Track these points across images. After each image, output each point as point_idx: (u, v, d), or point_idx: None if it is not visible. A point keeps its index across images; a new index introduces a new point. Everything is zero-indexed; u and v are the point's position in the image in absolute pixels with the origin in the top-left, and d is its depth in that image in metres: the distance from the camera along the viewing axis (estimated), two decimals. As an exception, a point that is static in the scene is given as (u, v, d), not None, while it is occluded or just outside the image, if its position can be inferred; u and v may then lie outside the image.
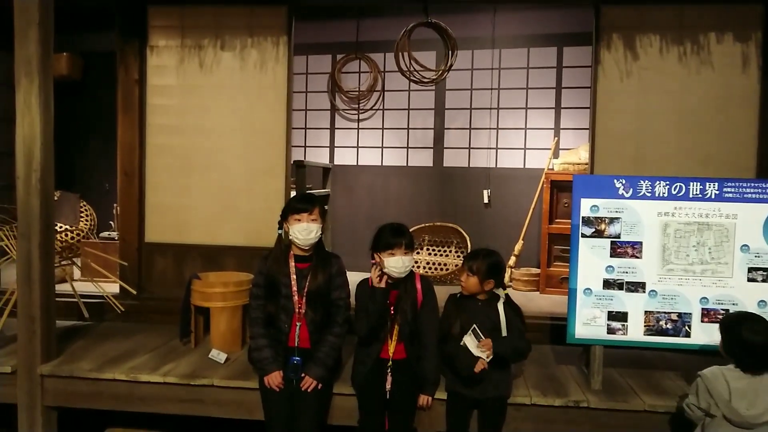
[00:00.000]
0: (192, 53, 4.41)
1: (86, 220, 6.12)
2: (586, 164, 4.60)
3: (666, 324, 3.05)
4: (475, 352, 2.77)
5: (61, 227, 5.77)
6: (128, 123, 4.47)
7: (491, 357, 2.77)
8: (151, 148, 4.46)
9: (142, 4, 4.47)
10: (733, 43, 3.98)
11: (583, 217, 3.08)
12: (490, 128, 6.16)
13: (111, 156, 4.63)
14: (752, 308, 2.99)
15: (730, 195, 3.02)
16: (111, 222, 5.71)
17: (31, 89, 3.14)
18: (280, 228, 3.00)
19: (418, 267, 5.91)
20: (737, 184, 3.02)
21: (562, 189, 5.37)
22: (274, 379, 2.86)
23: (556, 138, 5.97)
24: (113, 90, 4.55)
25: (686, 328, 3.04)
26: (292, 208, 2.94)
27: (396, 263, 2.85)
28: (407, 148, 6.45)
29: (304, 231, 2.88)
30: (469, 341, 2.80)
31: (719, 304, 3.02)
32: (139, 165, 4.47)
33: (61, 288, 4.06)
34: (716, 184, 3.02)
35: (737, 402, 2.36)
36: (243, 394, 3.10)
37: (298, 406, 2.85)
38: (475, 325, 2.81)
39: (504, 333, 2.85)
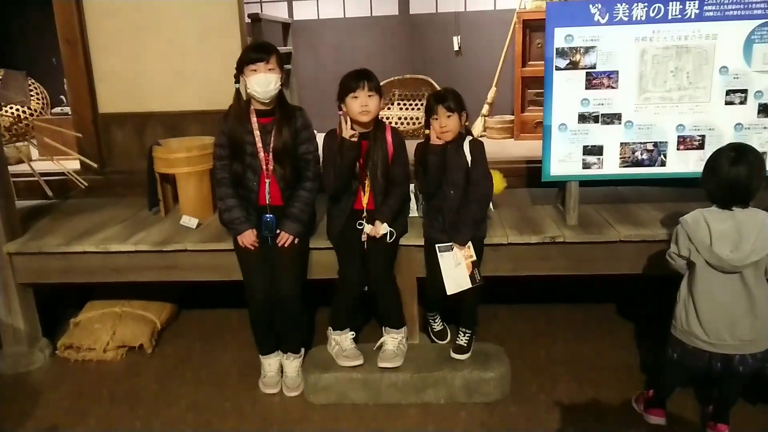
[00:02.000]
0: None
1: (37, 98, 5.78)
2: (560, -2, 4.33)
3: (642, 155, 3.00)
4: (458, 268, 2.76)
5: (10, 107, 5.45)
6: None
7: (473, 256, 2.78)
8: (90, 10, 4.08)
9: None
10: None
11: (557, 49, 2.91)
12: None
13: (53, 26, 4.25)
14: (729, 133, 2.94)
15: (711, 14, 2.84)
16: (62, 97, 5.40)
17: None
18: (237, 82, 2.80)
19: (390, 122, 5.75)
20: (719, 0, 2.84)
21: (535, 29, 5.11)
22: (248, 237, 2.80)
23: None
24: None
25: (662, 157, 3.00)
26: (246, 59, 2.73)
27: (358, 106, 2.71)
28: (370, -4, 6.05)
29: (263, 82, 2.70)
30: (446, 262, 2.77)
31: (696, 130, 2.96)
32: (81, 30, 4.11)
33: (20, 168, 3.90)
34: (696, 2, 2.83)
35: (719, 245, 2.21)
36: (218, 256, 3.06)
37: (276, 263, 2.82)
38: (437, 246, 2.77)
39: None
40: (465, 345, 2.94)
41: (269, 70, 2.71)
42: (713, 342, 2.31)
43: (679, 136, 2.97)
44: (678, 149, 2.98)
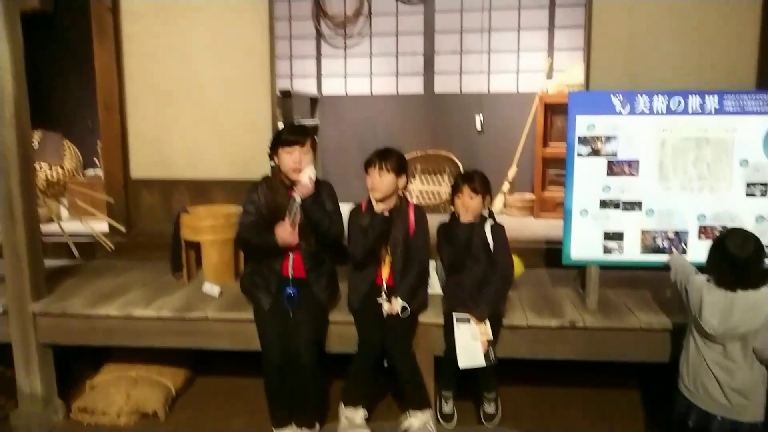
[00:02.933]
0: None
1: (71, 159, 5.97)
2: (581, 85, 4.46)
3: (662, 242, 3.02)
4: (474, 342, 2.77)
5: (45, 168, 5.63)
6: (104, 54, 4.27)
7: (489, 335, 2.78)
8: (130, 79, 4.28)
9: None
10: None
11: (579, 137, 2.99)
12: (481, 51, 5.97)
13: (91, 91, 4.46)
14: (750, 224, 2.94)
15: (730, 108, 2.92)
16: (96, 159, 5.59)
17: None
18: (271, 160, 2.93)
19: (411, 196, 5.85)
20: (737, 96, 2.92)
21: (556, 111, 5.25)
22: (285, 229, 2.81)
23: (550, 59, 5.80)
24: (87, 20, 4.33)
25: (683, 245, 3.01)
26: (283, 141, 2.85)
27: (369, 183, 2.87)
28: (397, 75, 6.27)
29: (296, 163, 2.81)
30: (461, 334, 2.77)
31: (717, 220, 2.98)
32: (119, 97, 4.30)
33: (50, 228, 4.00)
34: (716, 97, 2.92)
35: (708, 316, 2.37)
36: (238, 325, 3.08)
37: (295, 330, 2.83)
38: (455, 315, 2.79)
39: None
40: (493, 412, 2.94)
41: (304, 153, 2.83)
42: (696, 395, 2.45)
43: (700, 226, 2.99)
44: (699, 238, 3.00)
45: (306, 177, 2.77)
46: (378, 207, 2.86)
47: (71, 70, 6.46)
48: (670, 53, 3.85)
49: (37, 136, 5.09)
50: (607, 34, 3.90)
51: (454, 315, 2.80)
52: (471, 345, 2.77)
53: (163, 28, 4.20)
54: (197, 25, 4.17)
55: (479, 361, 2.76)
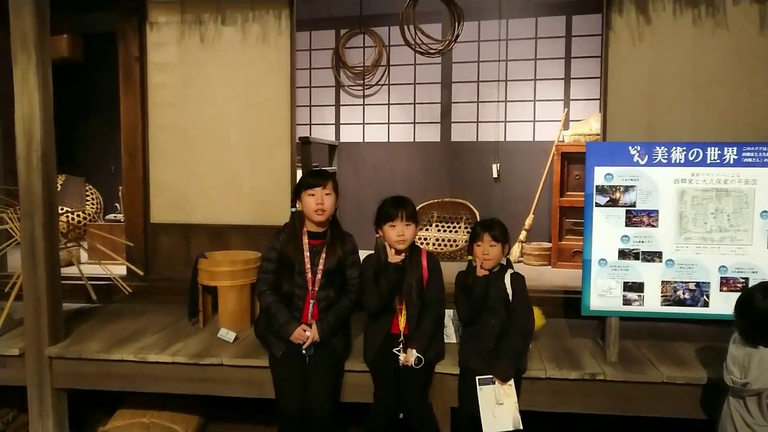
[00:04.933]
0: (192, 28, 4.31)
1: (92, 203, 6.07)
2: (598, 135, 4.49)
3: (684, 294, 2.98)
4: (499, 405, 2.70)
5: (65, 210, 5.72)
6: (130, 102, 4.39)
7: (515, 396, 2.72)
8: (153, 126, 4.38)
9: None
10: (749, 4, 3.84)
11: (596, 186, 2.99)
12: (498, 101, 6.05)
13: (115, 137, 4.57)
14: (773, 276, 2.91)
15: (750, 159, 2.92)
16: (117, 204, 5.67)
17: (29, 65, 3.07)
18: (294, 206, 2.96)
19: (427, 244, 5.85)
20: (757, 148, 2.92)
21: (572, 161, 5.27)
22: (300, 333, 2.80)
23: (566, 109, 5.86)
24: (115, 70, 4.46)
25: (704, 297, 2.97)
26: (305, 184, 2.89)
27: (395, 235, 2.81)
28: (414, 123, 6.36)
29: (320, 205, 2.84)
30: (485, 398, 2.69)
31: (738, 272, 2.94)
32: (143, 145, 4.40)
33: (69, 271, 4.03)
34: (735, 148, 2.92)
35: (730, 368, 2.38)
36: (253, 372, 3.05)
37: (310, 380, 2.80)
38: (477, 378, 2.71)
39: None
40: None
41: (326, 194, 2.86)
42: None
43: (722, 278, 2.95)
44: (721, 290, 2.96)
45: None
46: (395, 257, 2.85)
47: (97, 115, 6.65)
48: (687, 103, 3.87)
49: (60, 180, 5.20)
50: (623, 85, 3.94)
51: (477, 379, 2.72)
52: (496, 409, 2.68)
53: (187, 79, 4.31)
54: (220, 75, 4.29)
55: (506, 426, 2.66)
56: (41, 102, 3.13)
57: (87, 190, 6.13)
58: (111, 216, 5.59)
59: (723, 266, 2.94)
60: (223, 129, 4.31)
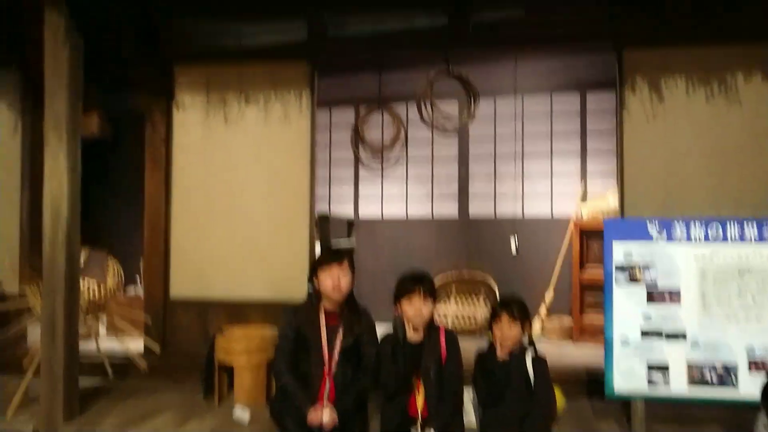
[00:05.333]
0: (217, 108, 4.47)
1: (113, 277, 6.13)
2: (616, 210, 4.49)
3: (710, 375, 2.89)
4: None
5: (88, 285, 5.78)
6: (155, 180, 4.51)
7: None
8: (176, 204, 4.48)
9: (169, 63, 4.58)
10: (761, 81, 3.90)
11: (616, 264, 2.97)
12: (515, 176, 6.11)
13: (138, 211, 4.67)
14: (803, 356, 2.82)
15: (771, 237, 2.89)
16: (137, 276, 5.72)
17: (60, 147, 3.19)
18: (310, 281, 2.96)
19: (446, 319, 5.78)
20: (777, 225, 2.90)
21: (591, 236, 5.25)
22: (317, 415, 2.72)
23: (583, 184, 5.89)
24: (141, 147, 4.62)
25: (733, 378, 2.87)
26: (322, 262, 2.90)
27: (413, 311, 2.77)
28: (432, 198, 6.42)
29: (336, 283, 2.83)
30: None
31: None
32: (165, 221, 4.49)
33: (86, 345, 4.04)
34: (755, 224, 2.90)
35: None
36: (267, 454, 2.98)
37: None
38: None
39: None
40: None
41: (342, 272, 2.86)
42: None
43: (750, 359, 2.86)
44: (750, 372, 2.86)
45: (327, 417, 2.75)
46: (413, 334, 2.81)
47: (121, 191, 6.81)
48: (704, 179, 3.88)
49: (83, 254, 5.28)
50: (638, 161, 3.97)
51: None
52: None
53: (210, 157, 4.44)
54: (242, 153, 4.41)
55: None
56: (69, 182, 3.23)
57: (109, 264, 6.21)
58: (131, 289, 5.63)
59: (751, 347, 2.86)
60: (244, 206, 4.39)
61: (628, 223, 3.11)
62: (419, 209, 6.45)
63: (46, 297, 3.21)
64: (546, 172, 6.08)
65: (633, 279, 2.94)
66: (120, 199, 6.88)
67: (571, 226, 5.43)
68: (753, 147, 3.84)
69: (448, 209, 6.35)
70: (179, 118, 4.53)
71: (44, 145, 3.23)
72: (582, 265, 5.27)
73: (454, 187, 6.34)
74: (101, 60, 4.33)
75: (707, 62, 3.96)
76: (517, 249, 5.93)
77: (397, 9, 4.49)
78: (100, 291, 5.82)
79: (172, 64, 4.60)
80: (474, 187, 6.29)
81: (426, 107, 4.94)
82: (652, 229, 2.96)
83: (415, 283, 2.84)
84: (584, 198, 5.76)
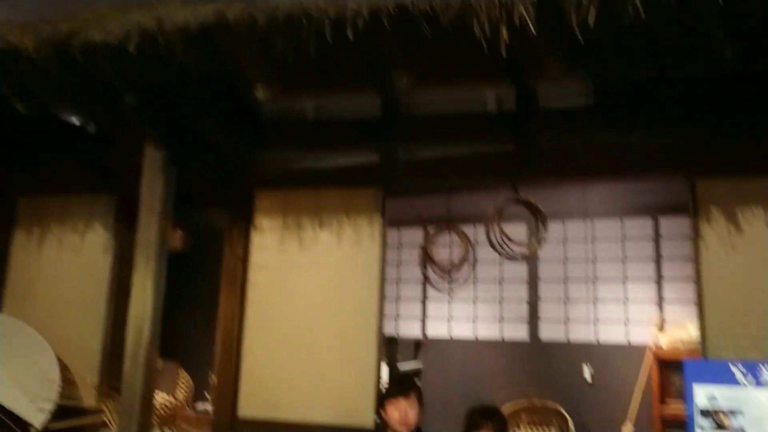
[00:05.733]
0: (292, 232, 4.67)
1: (183, 390, 6.24)
2: (696, 342, 4.28)
3: None
4: None
5: (158, 395, 5.90)
6: (230, 298, 4.67)
7: None
8: (249, 323, 4.60)
9: (249, 187, 4.87)
10: None
11: (699, 407, 2.81)
12: (587, 300, 5.98)
13: (211, 327, 4.81)
14: None
15: None
16: (206, 392, 5.80)
17: (147, 272, 3.40)
18: (378, 416, 2.95)
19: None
20: None
21: (672, 367, 5.00)
22: None
23: (660, 312, 5.68)
24: (218, 264, 4.83)
25: None
26: (389, 394, 2.91)
27: None
28: (501, 320, 6.33)
29: (403, 416, 2.82)
30: None
31: None
32: (238, 339, 4.59)
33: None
34: None
35: None
36: None
37: None
38: None
39: None
40: None
41: (410, 405, 2.85)
42: None
43: None
44: None
45: None
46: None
47: (196, 306, 7.05)
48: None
49: (158, 366, 5.44)
50: (718, 295, 3.81)
51: None
52: None
53: (284, 280, 4.58)
54: (314, 276, 4.53)
55: None
56: (153, 304, 3.41)
57: (180, 376, 6.35)
58: (200, 405, 5.69)
59: None
60: (313, 328, 4.45)
61: (709, 364, 2.96)
62: (488, 331, 6.35)
63: (123, 415, 3.30)
64: (619, 297, 5.92)
65: (719, 426, 2.76)
66: (195, 312, 7.12)
67: (649, 355, 5.19)
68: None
69: (518, 332, 6.23)
70: (257, 239, 4.75)
71: (134, 269, 3.45)
72: (662, 400, 4.98)
73: (524, 310, 6.25)
74: (189, 182, 4.69)
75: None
76: (591, 376, 5.69)
77: (464, 139, 4.68)
78: (169, 404, 5.92)
79: (252, 187, 4.89)
80: (545, 311, 6.18)
81: (494, 233, 5.00)
82: (737, 371, 2.81)
83: (484, 418, 2.81)
84: (661, 326, 5.54)
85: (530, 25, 2.48)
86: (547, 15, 2.51)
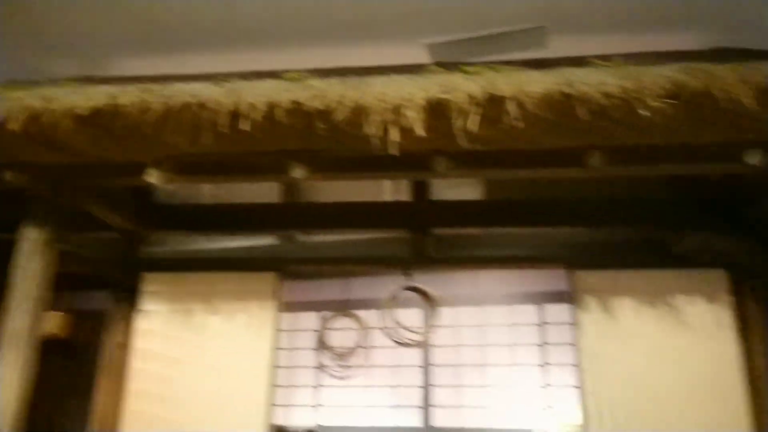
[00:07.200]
0: (180, 318, 4.50)
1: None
2: (580, 426, 4.44)
3: None
4: None
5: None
6: (108, 388, 4.38)
7: None
8: (128, 416, 4.31)
9: (137, 271, 4.68)
10: (706, 304, 4.13)
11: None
12: (479, 385, 6.07)
13: (87, 416, 4.45)
14: None
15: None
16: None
17: (16, 363, 3.14)
18: None
19: None
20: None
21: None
22: None
23: (546, 395, 5.85)
24: (97, 350, 4.54)
25: None
26: None
27: None
28: (395, 407, 6.27)
29: None
30: None
31: None
32: (113, 426, 4.28)
33: None
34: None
35: None
36: None
37: None
38: None
39: None
40: None
41: None
42: None
43: None
44: None
45: None
46: None
47: (73, 395, 6.49)
48: (668, 393, 3.91)
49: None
50: (597, 375, 4.03)
51: None
52: None
53: (168, 367, 4.41)
54: (202, 363, 4.43)
55: None
56: (18, 393, 3.14)
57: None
58: None
59: None
60: (198, 420, 4.24)
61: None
62: (382, 418, 6.25)
63: None
64: (509, 382, 6.06)
65: None
66: (68, 402, 6.54)
67: (537, 441, 5.29)
68: (708, 373, 3.94)
69: (412, 419, 6.18)
70: (141, 325, 4.54)
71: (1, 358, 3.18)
72: None
73: (418, 396, 6.23)
74: (73, 262, 4.44)
75: (655, 285, 4.22)
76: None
77: (361, 226, 4.80)
78: None
79: (139, 270, 4.70)
80: (438, 397, 6.19)
81: (387, 320, 5.05)
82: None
83: None
84: (548, 410, 5.70)
85: (418, 126, 2.64)
86: (434, 118, 2.68)
